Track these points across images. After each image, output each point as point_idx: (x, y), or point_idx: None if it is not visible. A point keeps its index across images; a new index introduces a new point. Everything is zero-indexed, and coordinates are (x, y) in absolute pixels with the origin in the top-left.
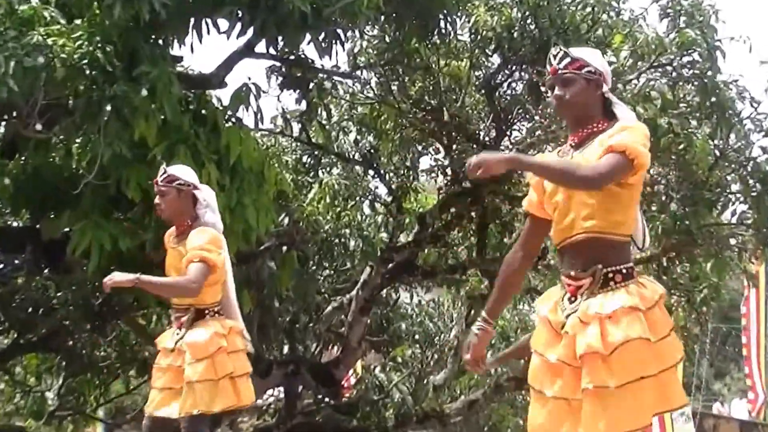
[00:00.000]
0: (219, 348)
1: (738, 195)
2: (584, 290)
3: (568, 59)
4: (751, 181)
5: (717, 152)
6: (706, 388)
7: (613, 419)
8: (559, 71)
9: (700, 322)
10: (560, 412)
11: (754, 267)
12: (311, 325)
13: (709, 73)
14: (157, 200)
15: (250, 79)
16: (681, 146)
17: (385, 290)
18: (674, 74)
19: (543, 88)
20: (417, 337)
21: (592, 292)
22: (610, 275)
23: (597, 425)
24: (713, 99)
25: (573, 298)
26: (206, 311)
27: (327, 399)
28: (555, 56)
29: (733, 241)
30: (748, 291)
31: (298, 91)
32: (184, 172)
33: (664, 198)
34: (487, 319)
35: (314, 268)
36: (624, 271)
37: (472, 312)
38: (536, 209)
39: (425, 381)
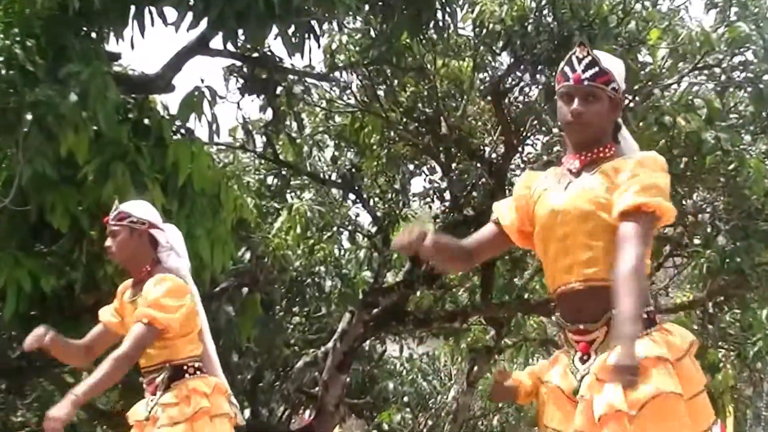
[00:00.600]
0: (200, 409)
1: None
2: (599, 344)
3: (596, 69)
4: None
5: None
6: None
7: None
8: (585, 81)
9: (754, 382)
10: None
11: None
12: (278, 384)
13: (766, 77)
14: (108, 242)
15: (203, 81)
16: (731, 166)
17: (368, 342)
18: (723, 78)
19: None
20: (407, 399)
21: (608, 346)
22: None
23: None
24: None
25: (585, 357)
26: (185, 367)
27: None
28: (580, 60)
29: None
30: None
31: (262, 96)
32: (139, 208)
33: (709, 229)
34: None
35: (282, 314)
36: (645, 316)
37: (475, 369)
38: (511, 228)
39: None
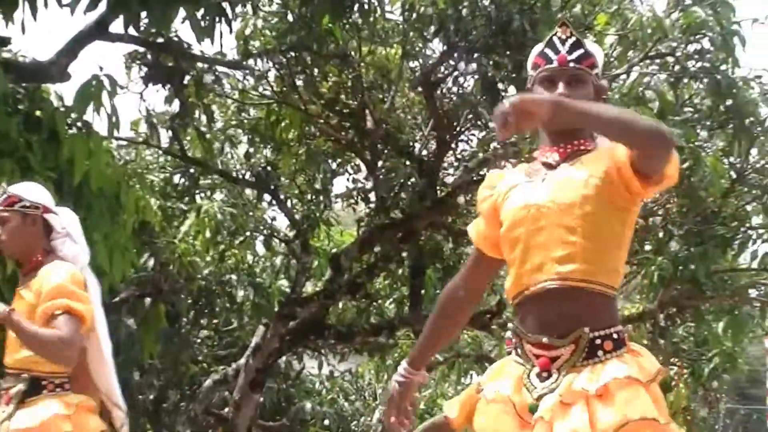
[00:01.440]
0: None
1: (761, 231)
2: (562, 362)
3: (582, 50)
4: None
5: (733, 173)
6: None
7: None
8: (571, 63)
9: (709, 402)
10: None
11: None
12: (184, 404)
13: (724, 66)
14: None
15: (102, 69)
16: (685, 165)
17: (284, 358)
18: (677, 68)
19: (501, 86)
20: (327, 421)
21: (573, 365)
22: (598, 341)
23: None
24: (729, 102)
25: (545, 374)
26: (44, 382)
27: None
28: (563, 40)
29: (754, 293)
30: None
31: (168, 86)
32: (32, 191)
33: (661, 234)
34: (409, 369)
35: (188, 327)
36: (615, 336)
37: None
38: (486, 246)
39: None
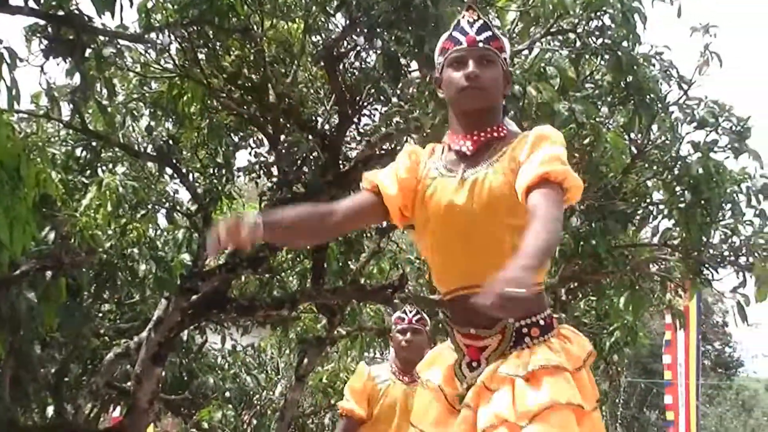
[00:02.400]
0: None
1: (661, 207)
2: (491, 352)
3: (490, 32)
4: (678, 189)
5: (634, 149)
6: None
7: None
8: (480, 43)
9: (611, 376)
10: None
11: (681, 302)
12: (86, 378)
13: (625, 43)
14: None
15: (1, 42)
16: (586, 141)
17: (186, 331)
18: (578, 44)
19: (403, 61)
20: (229, 395)
21: (502, 354)
22: (525, 329)
23: None
24: (629, 78)
25: (475, 364)
26: None
27: None
28: (471, 23)
29: (654, 268)
30: (673, 334)
31: (69, 59)
32: None
33: None
34: (260, 217)
35: (90, 300)
36: (542, 322)
37: (305, 361)
38: (394, 202)
39: None
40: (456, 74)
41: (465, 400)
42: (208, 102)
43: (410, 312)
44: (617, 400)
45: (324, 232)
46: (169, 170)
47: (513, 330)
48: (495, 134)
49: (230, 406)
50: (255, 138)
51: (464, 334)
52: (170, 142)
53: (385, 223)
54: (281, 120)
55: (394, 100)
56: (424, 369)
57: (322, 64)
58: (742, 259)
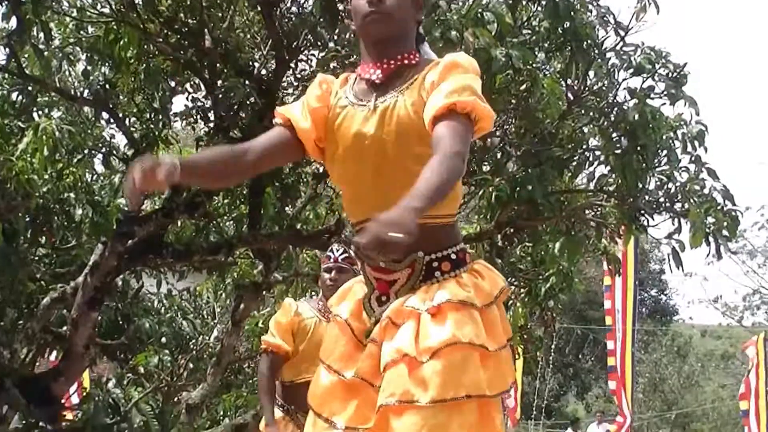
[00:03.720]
0: None
1: (597, 153)
2: (400, 286)
3: None
4: (614, 135)
5: (570, 95)
6: (555, 408)
7: None
8: None
9: (546, 321)
10: None
11: (618, 248)
12: (21, 322)
13: None
14: None
15: None
16: (523, 87)
17: (122, 276)
18: None
19: (341, 6)
20: (165, 339)
21: (411, 288)
22: (435, 263)
23: None
24: (566, 24)
25: (384, 298)
26: None
27: (42, 423)
28: None
29: (590, 214)
30: (613, 280)
31: (5, 3)
32: None
33: (499, 155)
34: (177, 164)
35: (26, 245)
36: (453, 256)
37: (241, 306)
38: (308, 135)
39: (176, 399)
40: (360, 1)
41: (371, 334)
42: (145, 47)
43: (337, 251)
44: (552, 346)
45: (241, 172)
46: (105, 115)
47: (423, 264)
48: (406, 62)
49: (166, 350)
50: (192, 83)
51: (374, 267)
52: (107, 86)
53: (322, 169)
54: (218, 65)
55: (331, 45)
56: (334, 304)
57: (259, 8)
58: (678, 206)
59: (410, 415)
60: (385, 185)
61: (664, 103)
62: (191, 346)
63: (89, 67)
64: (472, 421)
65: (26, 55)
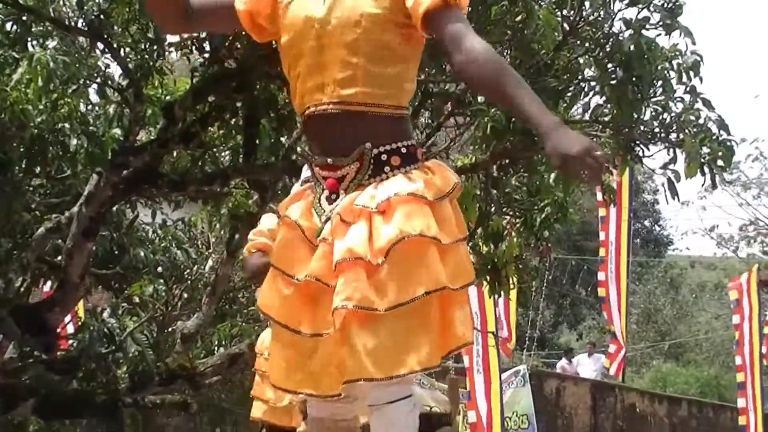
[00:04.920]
0: None
1: (593, 84)
2: (349, 182)
3: None
4: (610, 66)
5: (566, 26)
6: (549, 339)
7: (383, 357)
8: None
9: (541, 252)
10: (325, 354)
11: (613, 178)
12: (16, 252)
13: None
14: None
15: None
16: (518, 18)
17: (117, 206)
18: None
19: None
20: (161, 269)
21: (360, 184)
22: (384, 157)
23: (361, 364)
24: None
25: (333, 196)
26: None
27: (37, 352)
28: None
29: None
30: (606, 211)
31: None
32: None
33: None
34: None
35: (21, 175)
36: (404, 150)
37: (236, 237)
38: (243, 12)
39: (171, 329)
40: None
41: (322, 233)
42: None
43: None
44: (546, 276)
45: (174, 20)
46: (100, 45)
47: (371, 157)
48: None
49: (161, 280)
50: None
51: (322, 165)
52: (101, 16)
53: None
54: None
55: None
56: (283, 208)
57: None
58: (673, 136)
59: (370, 324)
60: (322, 71)
61: (660, 34)
62: (186, 276)
63: None
64: (435, 318)
65: None
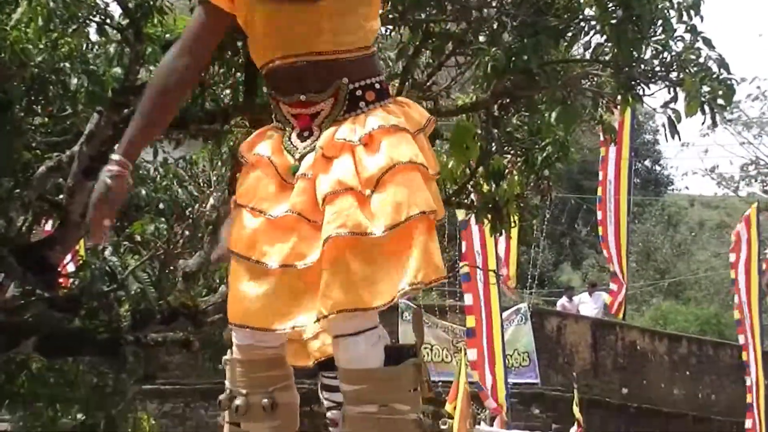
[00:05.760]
0: None
1: (593, 23)
2: (324, 118)
3: None
4: (610, 5)
5: None
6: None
7: (379, 285)
8: None
9: (542, 190)
10: (291, 289)
11: (614, 118)
12: (17, 191)
13: None
14: None
15: None
16: None
17: (117, 145)
18: None
19: None
20: (162, 206)
21: (335, 120)
22: (359, 92)
23: (356, 294)
24: None
25: (306, 133)
26: None
27: (39, 291)
28: None
29: (586, 84)
30: (606, 151)
31: None
32: None
33: (495, 26)
34: (122, 161)
35: (21, 114)
36: (378, 86)
37: (238, 174)
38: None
39: (173, 267)
40: None
41: (300, 170)
42: None
43: None
44: (547, 214)
45: (188, 86)
46: None
47: (347, 92)
48: None
49: (163, 218)
50: None
51: (292, 103)
52: None
53: None
54: None
55: None
56: (246, 150)
57: None
58: (673, 75)
59: (365, 253)
60: (284, 30)
61: None
62: (188, 215)
63: None
64: (423, 239)
65: None
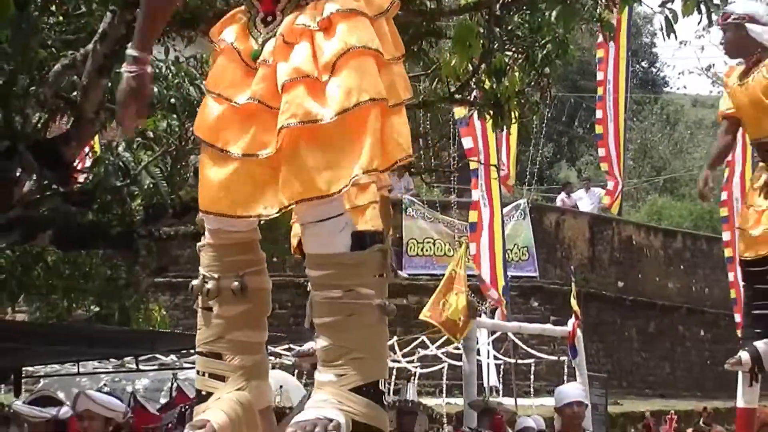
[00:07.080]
0: None
1: None
2: (286, 2)
3: None
4: None
5: None
6: (548, 175)
7: (332, 173)
8: None
9: (542, 87)
10: (254, 177)
11: (613, 16)
12: (33, 88)
13: None
14: None
15: None
16: None
17: (130, 44)
18: None
19: None
20: (174, 102)
21: (297, 4)
22: None
23: (312, 182)
24: None
25: (270, 18)
26: None
27: (54, 185)
28: None
29: None
30: (605, 52)
31: None
32: None
33: None
34: (140, 56)
35: (37, 13)
36: None
37: None
38: None
39: (184, 162)
40: None
41: (262, 56)
42: None
43: None
44: (546, 115)
45: None
46: None
47: None
48: None
49: (174, 115)
50: None
51: None
52: None
53: None
54: None
55: None
56: (216, 33)
57: None
58: None
59: (317, 140)
60: None
61: None
62: (197, 110)
63: None
64: (377, 127)
65: None
